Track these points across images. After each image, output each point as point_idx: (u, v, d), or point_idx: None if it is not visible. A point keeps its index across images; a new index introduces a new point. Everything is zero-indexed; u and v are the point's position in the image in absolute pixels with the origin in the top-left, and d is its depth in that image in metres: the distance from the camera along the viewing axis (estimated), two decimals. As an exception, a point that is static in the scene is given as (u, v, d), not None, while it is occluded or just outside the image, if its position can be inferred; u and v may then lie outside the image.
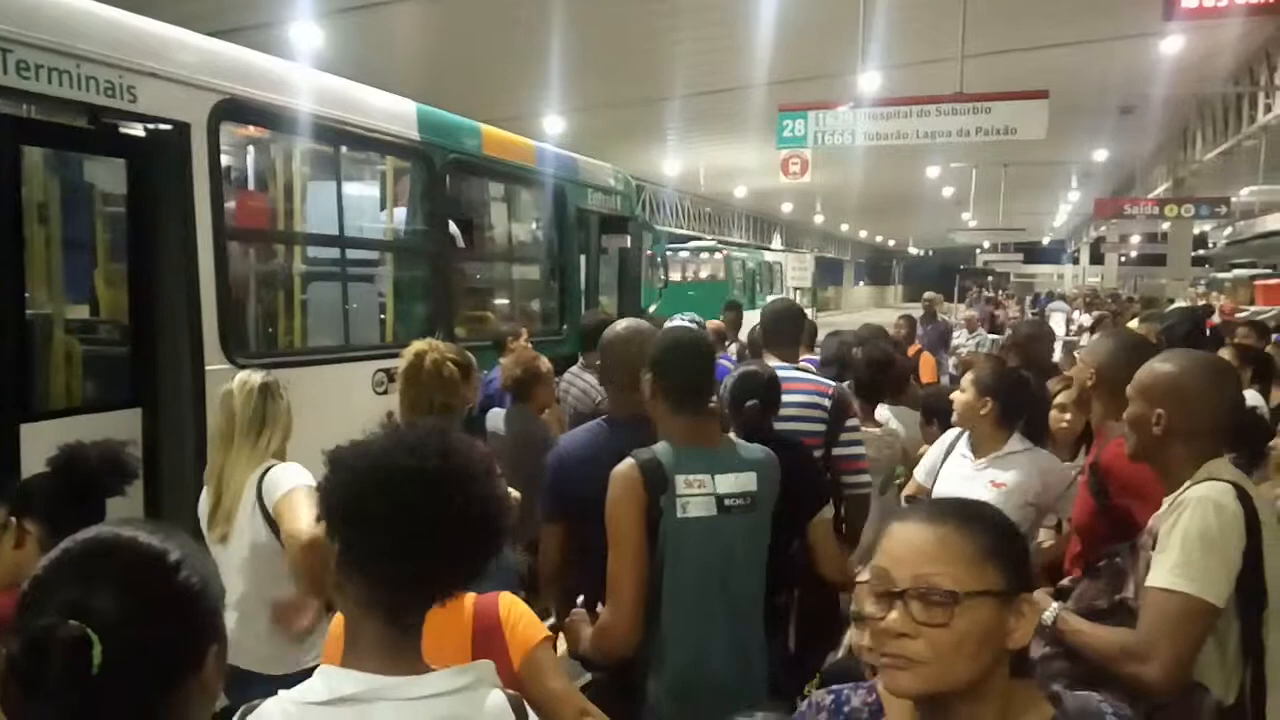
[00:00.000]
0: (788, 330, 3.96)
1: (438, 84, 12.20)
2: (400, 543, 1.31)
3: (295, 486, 2.71)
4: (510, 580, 4.01)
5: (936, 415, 4.47)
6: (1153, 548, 2.00)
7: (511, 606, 2.04)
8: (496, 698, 1.38)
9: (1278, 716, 2.02)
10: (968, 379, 3.54)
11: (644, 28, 13.23)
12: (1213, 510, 1.94)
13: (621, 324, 2.94)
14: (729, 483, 2.42)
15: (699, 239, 26.63)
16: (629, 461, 2.39)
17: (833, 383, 3.75)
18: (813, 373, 3.87)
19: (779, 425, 3.37)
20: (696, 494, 2.38)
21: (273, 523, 2.73)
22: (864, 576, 1.27)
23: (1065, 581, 2.40)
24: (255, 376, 2.93)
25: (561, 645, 2.47)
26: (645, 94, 17.00)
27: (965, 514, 1.28)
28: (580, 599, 2.53)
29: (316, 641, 2.74)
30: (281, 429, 2.92)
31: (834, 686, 1.48)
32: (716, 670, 2.38)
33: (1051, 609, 2.11)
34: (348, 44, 11.84)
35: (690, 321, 5.74)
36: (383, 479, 1.32)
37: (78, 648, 1.01)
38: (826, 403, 3.58)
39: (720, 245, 24.61)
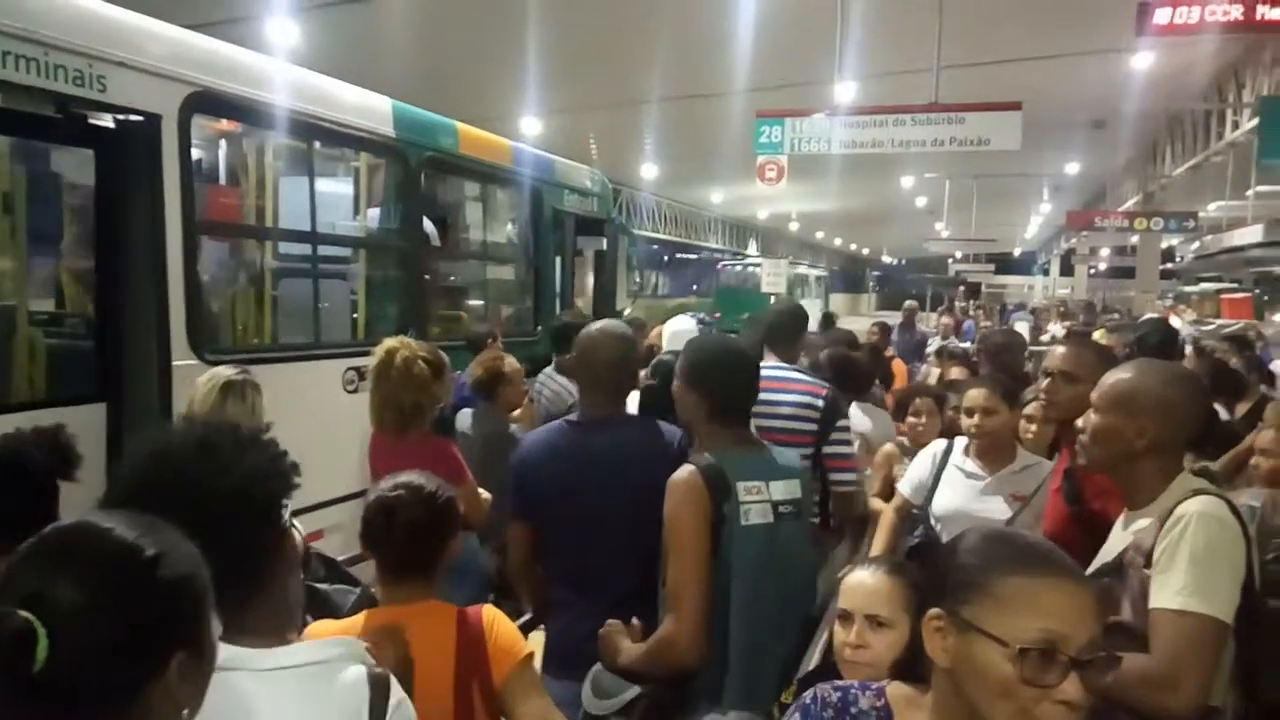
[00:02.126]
0: (789, 331, 4.02)
1: (415, 83, 12.10)
2: None
3: None
4: (481, 581, 4.00)
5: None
6: (1145, 567, 1.94)
7: (494, 621, 2.06)
8: (356, 672, 1.36)
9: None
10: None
11: (622, 31, 13.23)
12: (1216, 526, 1.89)
13: (596, 326, 2.94)
14: (780, 489, 2.44)
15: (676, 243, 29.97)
16: (689, 469, 2.36)
17: (827, 385, 3.78)
18: (808, 374, 3.88)
19: (774, 424, 3.47)
20: (756, 500, 2.38)
21: None
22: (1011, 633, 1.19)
23: None
24: (224, 374, 2.85)
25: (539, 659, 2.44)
26: (623, 97, 16.99)
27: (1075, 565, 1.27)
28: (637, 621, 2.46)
29: None
30: None
31: (839, 683, 1.46)
32: (772, 683, 2.33)
33: None
34: (324, 41, 11.73)
35: (693, 318, 5.95)
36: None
37: (22, 640, 0.95)
38: (820, 403, 3.63)
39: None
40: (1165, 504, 1.99)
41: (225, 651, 1.26)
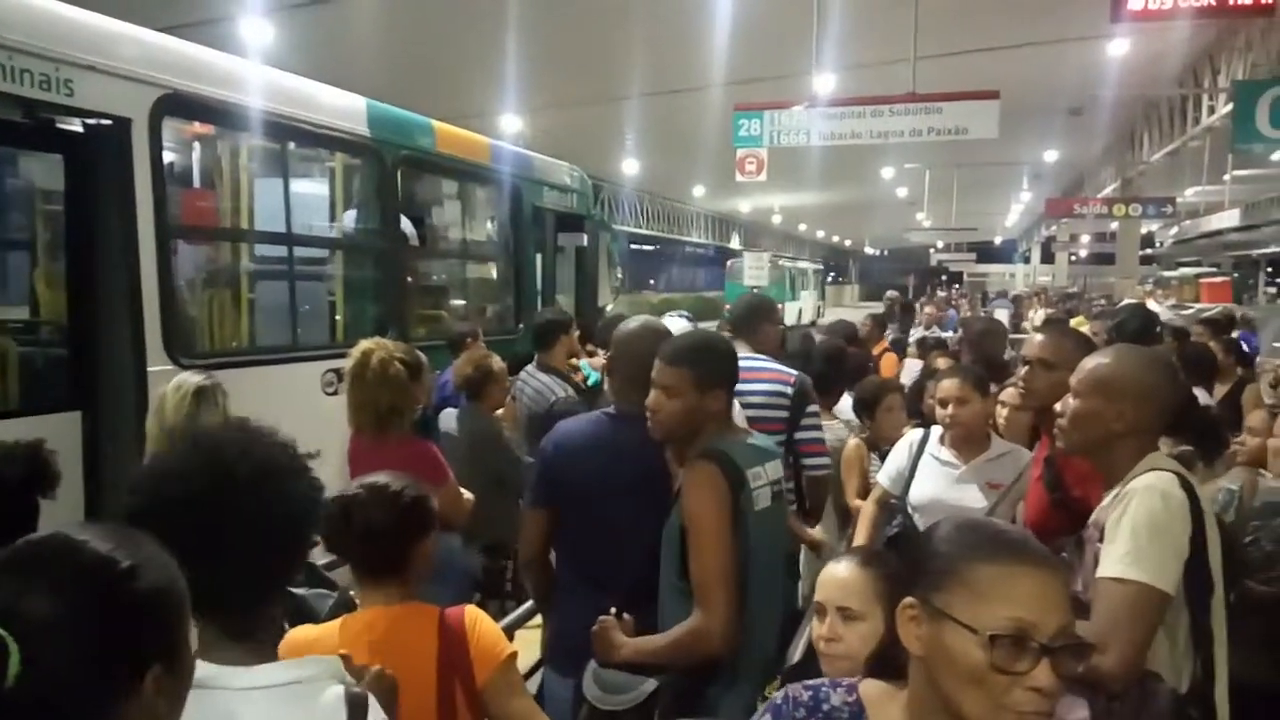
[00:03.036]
0: (754, 320, 4.05)
1: (393, 82, 12.03)
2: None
3: None
4: (464, 582, 3.98)
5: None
6: (1099, 540, 2.00)
7: (477, 621, 2.04)
8: (334, 693, 1.35)
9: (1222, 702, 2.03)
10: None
11: (601, 27, 13.19)
12: (1159, 498, 1.94)
13: (635, 321, 2.95)
14: (772, 470, 2.47)
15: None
16: (709, 465, 2.32)
17: (795, 372, 3.85)
18: (776, 362, 3.93)
19: (746, 412, 3.49)
20: (762, 486, 2.40)
21: None
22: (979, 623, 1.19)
23: None
24: (192, 380, 2.82)
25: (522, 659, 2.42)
26: (603, 93, 16.96)
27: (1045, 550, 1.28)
28: (613, 611, 2.43)
29: None
30: None
31: (809, 682, 1.44)
32: (773, 662, 2.35)
33: None
34: (300, 41, 11.65)
35: (681, 317, 5.96)
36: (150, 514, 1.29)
37: None
38: (789, 390, 3.70)
39: (774, 257, 35.22)
40: (1126, 481, 2.04)
41: (202, 669, 1.25)
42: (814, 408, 3.82)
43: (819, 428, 3.82)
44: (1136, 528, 1.92)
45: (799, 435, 3.71)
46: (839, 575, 1.96)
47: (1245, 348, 8.56)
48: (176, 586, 1.11)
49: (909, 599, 1.27)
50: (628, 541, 2.57)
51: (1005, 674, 1.15)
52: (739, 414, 3.46)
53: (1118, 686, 1.85)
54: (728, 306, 19.75)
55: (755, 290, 21.07)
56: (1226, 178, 22.91)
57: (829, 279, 73.74)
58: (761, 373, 3.75)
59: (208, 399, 2.79)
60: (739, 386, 3.56)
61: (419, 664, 1.97)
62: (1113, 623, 1.86)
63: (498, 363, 4.59)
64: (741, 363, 3.69)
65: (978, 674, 1.17)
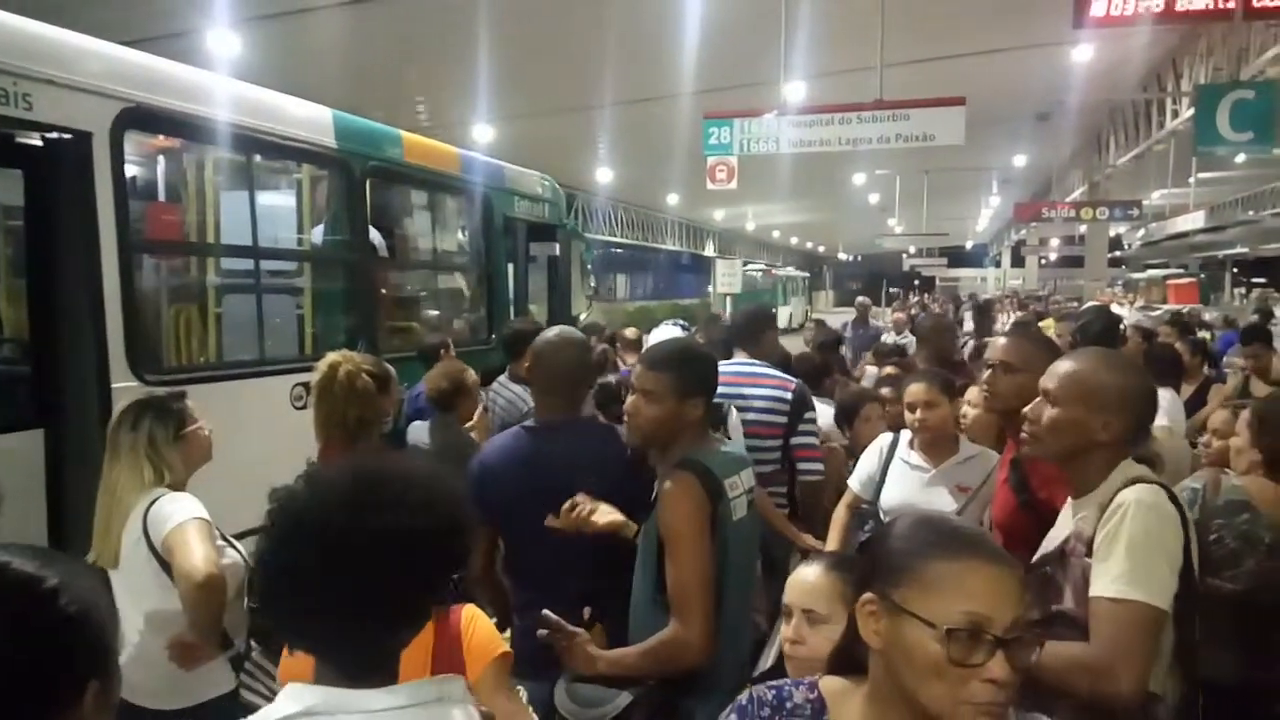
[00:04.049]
0: (757, 330, 4.16)
1: (361, 93, 12.01)
2: (329, 627, 1.27)
3: (185, 520, 2.57)
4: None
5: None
6: (1087, 556, 1.96)
7: (473, 619, 2.04)
8: (468, 714, 1.34)
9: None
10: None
11: (572, 36, 13.22)
12: (1153, 514, 1.91)
13: (552, 331, 2.94)
14: (746, 478, 2.47)
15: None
16: (687, 476, 2.31)
17: (795, 379, 3.96)
18: (775, 369, 4.02)
19: (747, 416, 3.70)
20: (738, 495, 2.39)
21: (160, 557, 2.58)
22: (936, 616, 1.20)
23: None
24: (141, 398, 2.79)
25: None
26: (575, 102, 16.99)
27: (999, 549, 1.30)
28: (587, 612, 2.42)
29: (211, 673, 2.65)
30: (162, 459, 2.73)
31: (773, 682, 1.46)
32: (748, 671, 2.35)
33: None
34: (268, 52, 11.60)
35: (677, 325, 6.02)
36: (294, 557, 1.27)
37: None
38: (789, 397, 3.83)
39: (769, 266, 44.02)
40: (1106, 492, 2.00)
41: (325, 695, 1.25)
42: (811, 414, 3.92)
43: (815, 434, 3.92)
44: (1133, 545, 1.88)
45: (795, 440, 3.82)
46: (806, 579, 1.97)
47: (1225, 348, 8.67)
48: (101, 602, 1.11)
49: (868, 594, 1.30)
50: (564, 552, 2.57)
51: (961, 667, 1.19)
52: (735, 422, 3.54)
53: (1125, 710, 1.84)
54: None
55: (727, 297, 21.28)
56: (1191, 180, 23.28)
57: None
58: (762, 379, 3.89)
59: (126, 416, 2.73)
60: (740, 392, 3.73)
61: (414, 657, 1.96)
62: (1117, 645, 1.84)
63: (471, 375, 4.56)
64: (742, 369, 3.92)
65: (935, 667, 1.20)
